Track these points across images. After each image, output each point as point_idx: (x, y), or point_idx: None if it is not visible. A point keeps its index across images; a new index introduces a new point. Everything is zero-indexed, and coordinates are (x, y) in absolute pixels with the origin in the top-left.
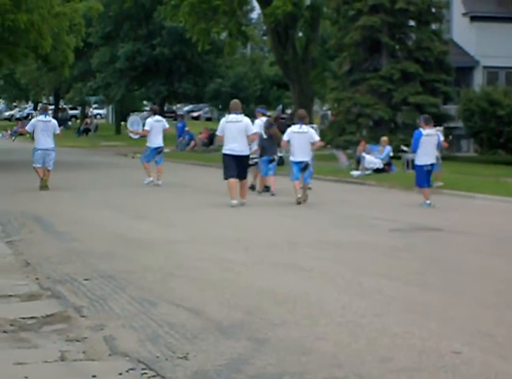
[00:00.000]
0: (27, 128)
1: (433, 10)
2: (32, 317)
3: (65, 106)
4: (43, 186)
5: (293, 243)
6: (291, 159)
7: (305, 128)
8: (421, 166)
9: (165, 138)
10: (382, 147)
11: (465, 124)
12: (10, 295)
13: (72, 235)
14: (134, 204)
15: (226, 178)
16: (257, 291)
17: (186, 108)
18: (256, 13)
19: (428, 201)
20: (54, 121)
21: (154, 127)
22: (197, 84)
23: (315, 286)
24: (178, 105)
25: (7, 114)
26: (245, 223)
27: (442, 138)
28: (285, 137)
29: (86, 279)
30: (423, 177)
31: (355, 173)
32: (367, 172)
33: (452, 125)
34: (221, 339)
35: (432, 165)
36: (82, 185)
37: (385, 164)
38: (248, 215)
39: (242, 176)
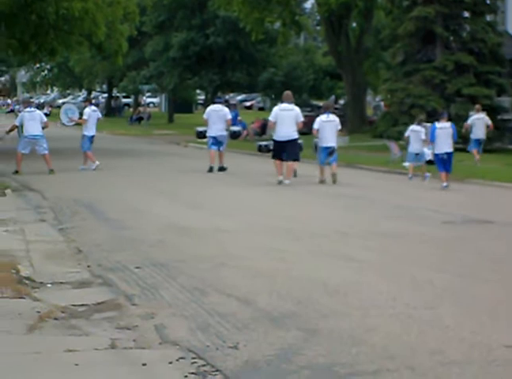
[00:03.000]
0: (15, 122)
1: (488, 1)
2: (82, 305)
3: (118, 94)
4: (50, 171)
5: (344, 233)
6: (320, 144)
7: (332, 117)
8: (437, 155)
9: None
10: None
11: None
12: (62, 282)
13: (124, 223)
14: (186, 193)
15: (273, 158)
16: (308, 282)
17: (239, 98)
18: (310, 2)
19: (445, 184)
20: (40, 112)
21: (91, 116)
22: (250, 73)
23: (366, 277)
24: (231, 94)
25: (60, 101)
26: (296, 213)
27: (489, 122)
28: (315, 126)
29: (137, 268)
30: (440, 163)
31: (406, 164)
32: (420, 163)
33: (506, 117)
34: (271, 329)
35: (447, 153)
36: (134, 173)
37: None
38: (299, 205)
39: (291, 157)
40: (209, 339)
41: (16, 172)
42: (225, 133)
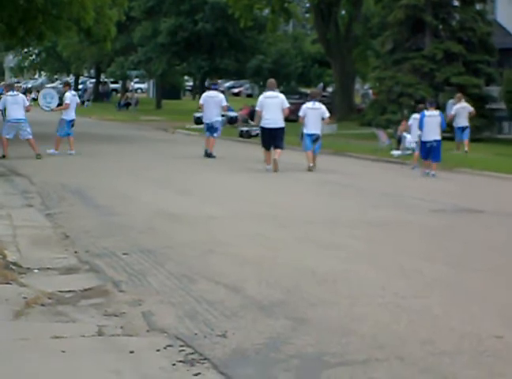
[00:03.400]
0: None
1: None
2: (69, 291)
3: (106, 79)
4: (37, 155)
5: (332, 221)
6: (305, 131)
7: (317, 105)
8: (425, 143)
9: None
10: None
11: (508, 105)
12: (49, 268)
13: (112, 209)
14: (175, 179)
15: (263, 147)
16: (296, 270)
17: (227, 84)
18: None
19: (433, 172)
20: (22, 95)
21: (72, 101)
22: (239, 60)
23: (355, 265)
24: (219, 81)
25: (48, 86)
26: (283, 201)
27: (471, 109)
28: (301, 113)
29: (125, 254)
30: (428, 151)
31: (395, 152)
32: (408, 152)
33: (494, 106)
34: (260, 317)
35: (436, 141)
36: (123, 159)
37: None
38: (286, 192)
39: (278, 145)
40: (197, 327)
41: (3, 157)
42: (220, 118)
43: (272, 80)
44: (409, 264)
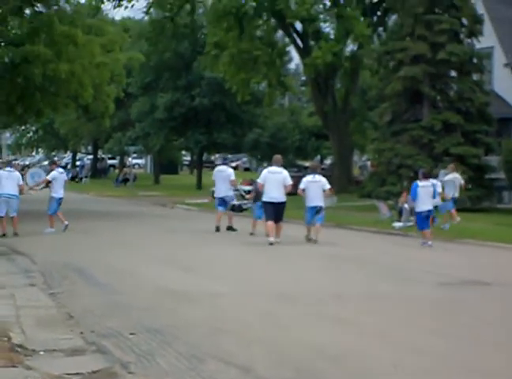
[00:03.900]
0: None
1: (474, 61)
2: (77, 373)
3: (103, 155)
4: (14, 234)
5: (340, 296)
6: (307, 204)
7: (317, 177)
8: (420, 213)
9: (205, 188)
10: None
11: (507, 175)
12: (54, 350)
13: (115, 287)
14: (176, 255)
15: (267, 220)
16: (306, 347)
17: None
18: (294, 63)
19: (430, 242)
20: (18, 173)
21: (58, 178)
22: (236, 134)
23: (365, 342)
24: (217, 155)
25: (45, 163)
26: (288, 275)
27: (462, 181)
28: (301, 186)
29: (132, 334)
30: (423, 221)
31: (397, 224)
32: (409, 224)
33: (493, 176)
34: None
35: (429, 211)
36: (122, 235)
37: None
38: (291, 266)
39: (278, 219)
40: None
41: (3, 235)
42: (231, 193)
43: (277, 156)
44: (421, 340)
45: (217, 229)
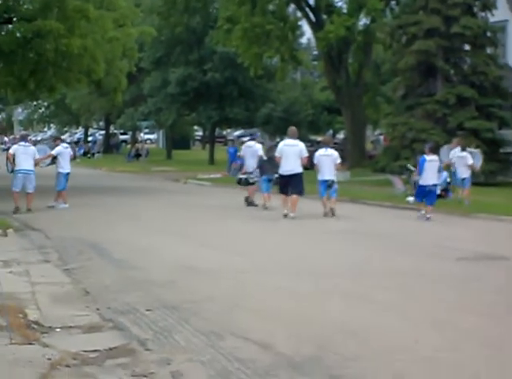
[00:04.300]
0: (10, 151)
1: (488, 34)
2: (94, 350)
3: (115, 131)
4: (27, 210)
5: (359, 272)
6: (319, 178)
7: (330, 151)
8: (424, 186)
9: (217, 163)
10: (439, 172)
11: None
12: (71, 326)
13: (131, 263)
14: (192, 230)
15: (280, 192)
16: (326, 323)
17: (237, 133)
18: (306, 37)
19: (428, 215)
20: (34, 147)
21: (63, 153)
22: (249, 108)
23: (385, 317)
24: (229, 130)
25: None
26: (305, 250)
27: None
28: (314, 160)
29: (148, 310)
30: (425, 194)
31: (411, 199)
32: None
33: (508, 150)
34: (294, 375)
35: (434, 185)
36: (136, 211)
37: (442, 190)
38: (307, 241)
39: (295, 191)
40: None
41: (17, 209)
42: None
43: (292, 128)
44: (441, 316)
45: (247, 201)
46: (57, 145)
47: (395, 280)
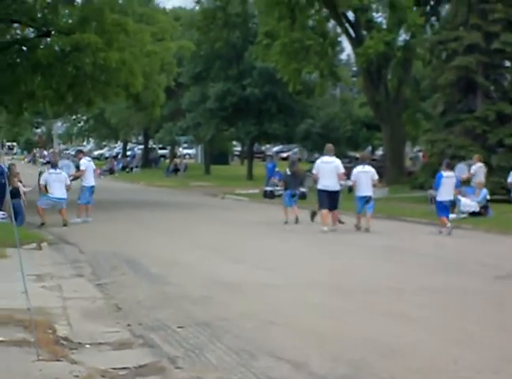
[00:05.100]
0: (41, 182)
1: None
2: (124, 368)
3: (154, 145)
4: (63, 224)
5: (396, 289)
6: (357, 194)
7: (367, 167)
8: (441, 202)
9: (256, 179)
10: (479, 189)
11: None
12: (101, 343)
13: (164, 278)
14: (227, 245)
15: (320, 209)
16: (361, 342)
17: (276, 148)
18: (345, 53)
19: (449, 230)
20: (65, 174)
21: (89, 167)
22: (288, 124)
23: (423, 336)
24: (268, 145)
25: (96, 153)
26: (340, 266)
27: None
28: (353, 177)
29: (180, 327)
30: (443, 210)
31: (450, 216)
32: (463, 215)
33: None
34: None
35: (450, 201)
36: (173, 226)
37: (481, 207)
38: (343, 257)
39: (333, 207)
40: None
41: (43, 224)
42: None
43: (329, 146)
44: (480, 335)
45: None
46: (80, 159)
47: (431, 298)
